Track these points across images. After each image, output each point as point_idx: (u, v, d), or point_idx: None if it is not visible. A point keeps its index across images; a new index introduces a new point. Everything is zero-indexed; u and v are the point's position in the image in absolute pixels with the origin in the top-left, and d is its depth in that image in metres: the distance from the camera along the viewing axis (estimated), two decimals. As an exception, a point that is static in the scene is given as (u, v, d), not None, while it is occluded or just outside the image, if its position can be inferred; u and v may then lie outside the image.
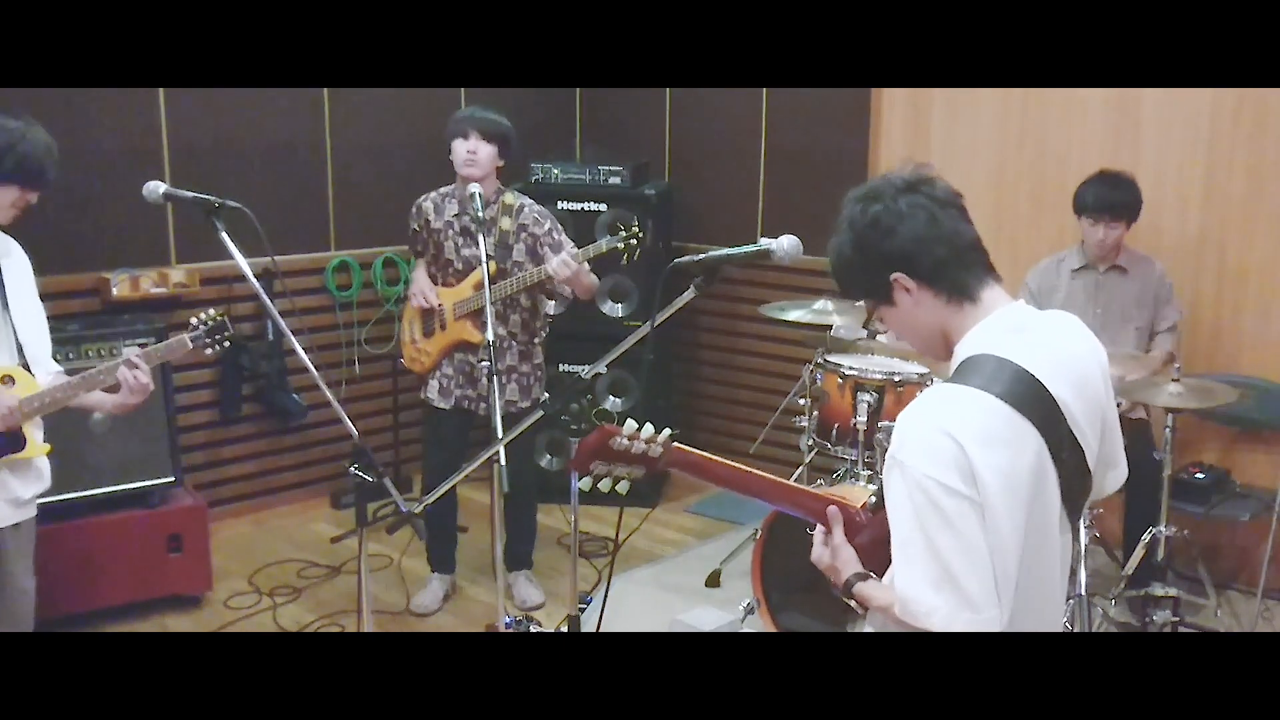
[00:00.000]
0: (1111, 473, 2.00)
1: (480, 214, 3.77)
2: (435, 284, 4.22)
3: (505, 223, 4.12)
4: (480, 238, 3.73)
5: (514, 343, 4.22)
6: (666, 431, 1.96)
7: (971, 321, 1.84)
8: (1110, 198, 4.19)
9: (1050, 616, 1.88)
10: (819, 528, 2.01)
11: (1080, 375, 1.84)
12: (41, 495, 3.02)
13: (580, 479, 1.97)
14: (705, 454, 2.02)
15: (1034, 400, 1.75)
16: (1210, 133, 4.49)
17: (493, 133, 4.01)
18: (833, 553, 1.96)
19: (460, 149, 3.99)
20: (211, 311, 3.10)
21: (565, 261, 3.92)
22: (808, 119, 5.48)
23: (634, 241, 3.92)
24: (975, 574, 1.69)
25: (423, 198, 4.23)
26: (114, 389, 2.93)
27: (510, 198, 4.16)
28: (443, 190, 4.21)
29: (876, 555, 1.89)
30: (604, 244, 3.96)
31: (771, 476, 2.06)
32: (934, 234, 1.82)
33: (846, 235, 1.87)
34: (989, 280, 1.86)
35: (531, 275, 4.03)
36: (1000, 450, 1.71)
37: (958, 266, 1.83)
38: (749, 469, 2.05)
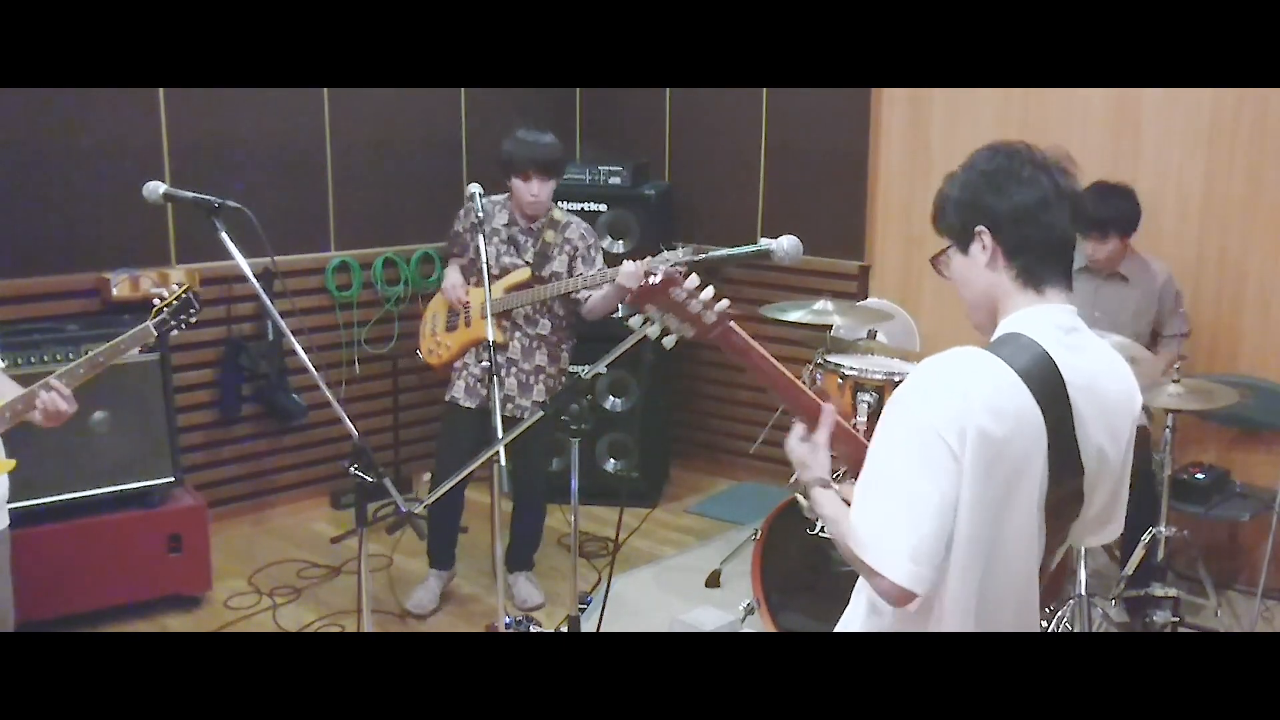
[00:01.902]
0: (1110, 526, 1.98)
1: (480, 214, 3.78)
2: (468, 284, 4.28)
3: (549, 235, 4.18)
4: (482, 238, 3.72)
5: (543, 344, 4.24)
6: (725, 303, 1.99)
7: (1025, 304, 1.85)
8: (1096, 213, 4.10)
9: (1010, 601, 1.84)
10: (800, 424, 2.01)
11: (1107, 404, 1.84)
12: (3, 509, 2.91)
13: (633, 315, 1.99)
14: (750, 340, 2.02)
15: (1050, 392, 1.76)
16: (1210, 133, 4.48)
17: (553, 170, 4.10)
18: (811, 448, 1.97)
19: (524, 191, 4.07)
20: (174, 288, 2.91)
21: (635, 274, 3.87)
22: (808, 119, 5.48)
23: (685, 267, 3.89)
24: (926, 525, 1.72)
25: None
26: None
27: (559, 214, 4.22)
28: (495, 198, 4.25)
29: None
30: (682, 254, 3.93)
31: (795, 379, 2.05)
32: (1036, 215, 1.82)
33: (963, 174, 1.89)
34: (1061, 283, 1.87)
35: (582, 280, 4.05)
36: (1000, 421, 1.72)
37: (1040, 252, 1.84)
38: (779, 366, 2.04)
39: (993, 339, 1.85)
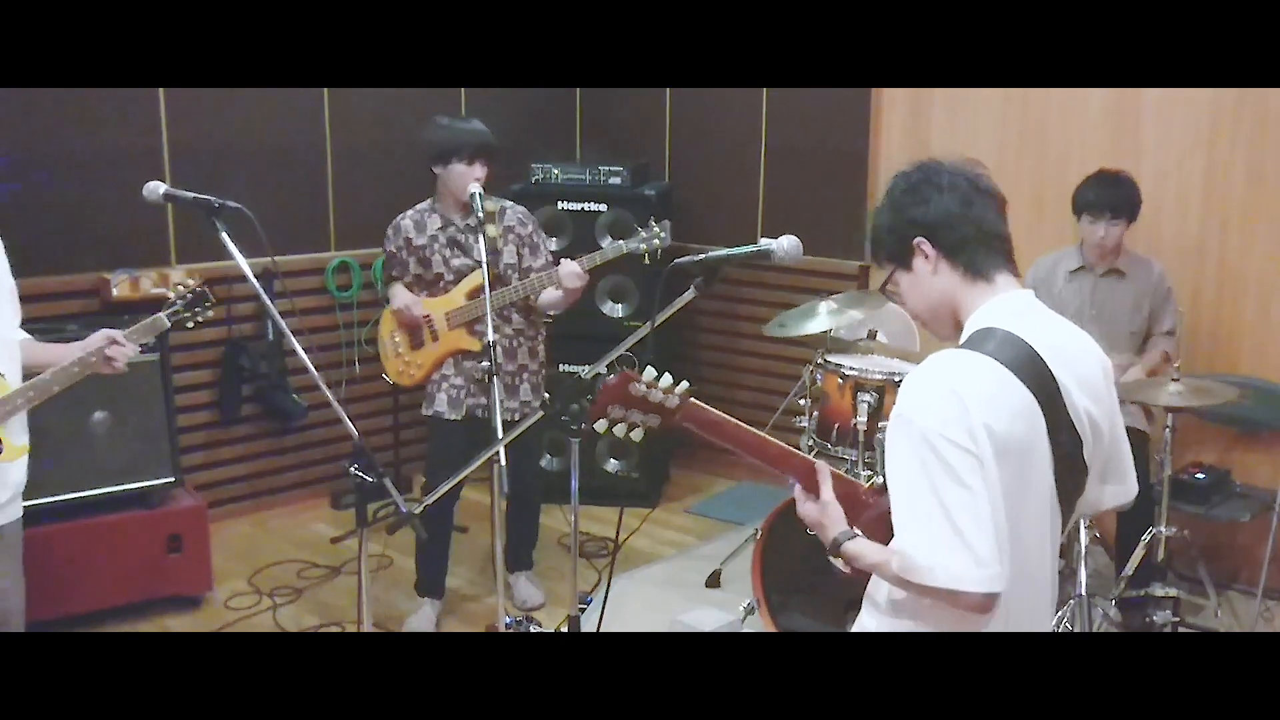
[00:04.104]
0: (1113, 487, 2.01)
1: (480, 213, 3.77)
2: (420, 297, 4.18)
3: (491, 229, 4.06)
4: (481, 238, 3.70)
5: (523, 340, 4.21)
6: (685, 384, 1.99)
7: (983, 299, 1.90)
8: (1110, 195, 4.16)
9: (1030, 593, 1.87)
10: (799, 485, 2.02)
11: (1084, 372, 1.88)
12: (16, 498, 2.94)
13: (595, 422, 1.99)
14: (720, 413, 2.04)
15: (1037, 375, 1.79)
16: (1210, 133, 4.48)
17: (493, 154, 4.03)
18: (820, 508, 1.98)
19: (467, 176, 3.95)
20: (190, 282, 3.05)
21: (579, 274, 3.91)
22: (808, 119, 5.48)
23: (656, 241, 3.90)
24: (980, 529, 1.71)
25: (400, 217, 4.18)
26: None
27: (490, 204, 4.10)
28: (419, 207, 4.17)
29: (880, 532, 1.90)
30: (624, 245, 3.93)
31: (778, 442, 2.07)
32: (964, 213, 1.90)
33: (886, 198, 1.98)
34: (1007, 269, 1.92)
35: (536, 282, 4.01)
36: (1000, 414, 1.75)
37: (980, 247, 1.90)
38: (756, 432, 2.06)
39: (966, 338, 1.87)
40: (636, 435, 2.02)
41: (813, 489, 2.01)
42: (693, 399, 2.01)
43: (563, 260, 3.97)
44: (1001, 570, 1.72)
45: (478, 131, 4.03)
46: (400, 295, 4.16)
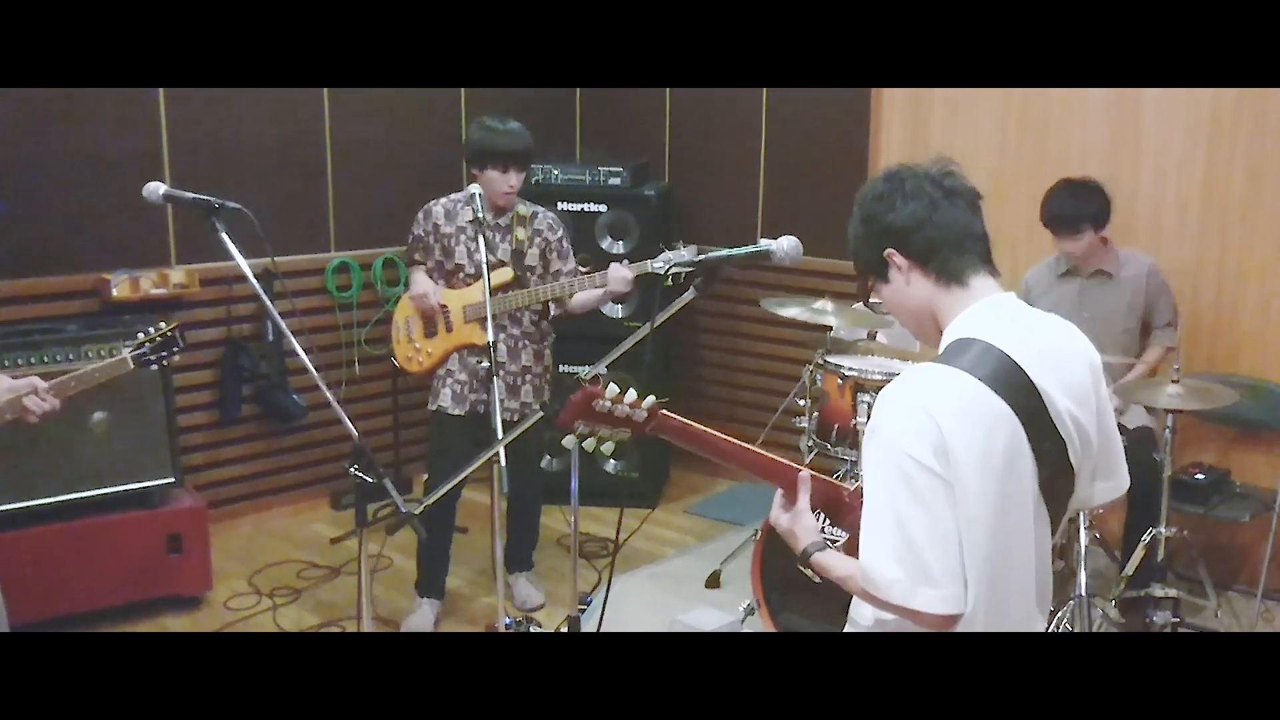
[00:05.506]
0: (1103, 483, 1.99)
1: (481, 214, 3.77)
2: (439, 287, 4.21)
3: (520, 232, 4.13)
4: (481, 239, 3.72)
5: (529, 343, 4.21)
6: (651, 398, 1.99)
7: (961, 305, 1.88)
8: (1062, 210, 4.15)
9: (1016, 603, 1.86)
10: (780, 492, 2.03)
11: (1068, 375, 1.87)
12: None
13: (565, 436, 1.99)
14: (691, 422, 2.04)
15: (1015, 386, 1.78)
16: (1210, 133, 4.48)
17: (528, 160, 4.08)
18: (793, 517, 1.99)
19: (501, 183, 4.01)
20: (162, 325, 3.07)
21: (626, 279, 3.92)
22: (808, 119, 5.48)
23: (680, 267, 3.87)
24: (939, 550, 1.72)
25: (433, 203, 4.20)
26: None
27: (524, 208, 4.17)
28: (454, 197, 4.20)
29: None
30: (650, 264, 3.91)
31: (752, 447, 2.08)
32: (932, 217, 1.88)
33: (857, 210, 1.96)
34: (983, 271, 1.91)
35: (572, 284, 4.03)
36: (976, 429, 1.74)
37: (951, 250, 1.88)
38: (729, 438, 2.06)
39: (943, 349, 1.87)
40: (607, 448, 2.02)
41: (792, 497, 2.01)
42: (664, 410, 2.01)
43: (613, 264, 3.98)
44: (959, 591, 1.73)
45: (514, 137, 4.04)
46: (420, 282, 4.18)
